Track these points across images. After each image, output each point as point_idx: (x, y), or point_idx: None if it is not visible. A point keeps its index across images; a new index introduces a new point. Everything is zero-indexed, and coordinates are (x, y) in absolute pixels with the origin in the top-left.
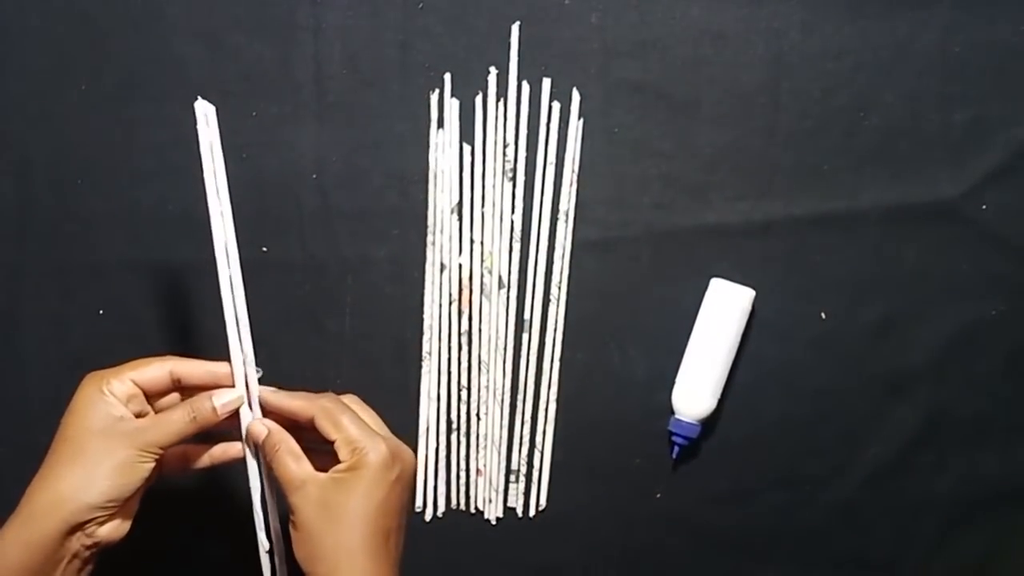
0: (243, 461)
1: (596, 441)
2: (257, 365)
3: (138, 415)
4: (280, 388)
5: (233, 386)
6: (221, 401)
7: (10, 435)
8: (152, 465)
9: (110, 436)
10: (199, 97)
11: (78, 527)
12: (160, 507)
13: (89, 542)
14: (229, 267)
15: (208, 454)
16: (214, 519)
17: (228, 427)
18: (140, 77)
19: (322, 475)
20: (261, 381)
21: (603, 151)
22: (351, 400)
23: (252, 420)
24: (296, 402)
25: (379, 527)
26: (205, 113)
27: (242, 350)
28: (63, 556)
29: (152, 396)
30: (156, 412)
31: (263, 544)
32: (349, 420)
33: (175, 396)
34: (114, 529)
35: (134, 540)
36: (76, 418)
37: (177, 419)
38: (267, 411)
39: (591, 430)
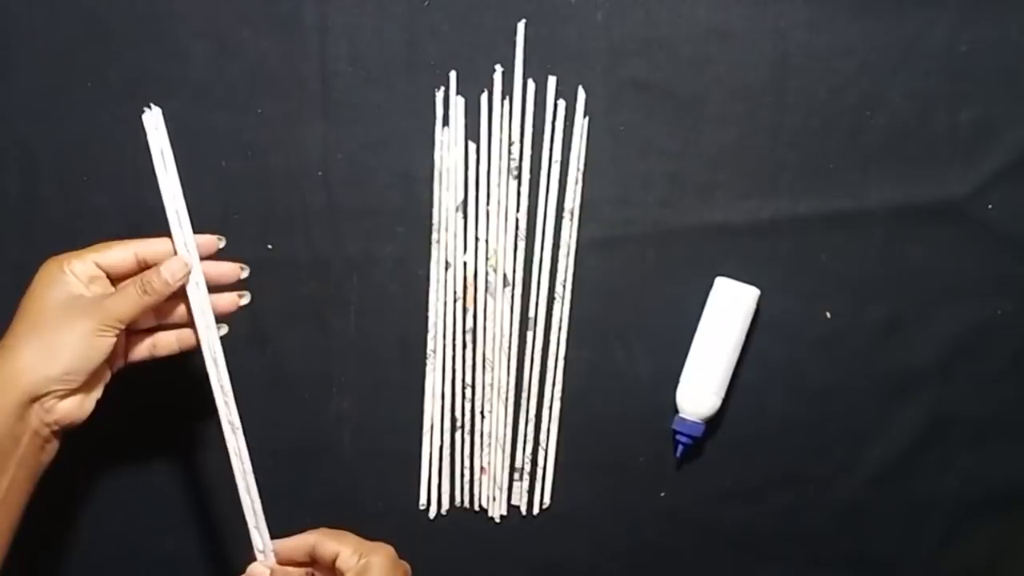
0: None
1: (600, 439)
2: (262, 362)
3: None
4: (280, 387)
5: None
6: (170, 270)
7: None
8: (112, 340)
9: (69, 310)
10: (149, 106)
11: (36, 399)
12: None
13: (49, 418)
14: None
15: (177, 339)
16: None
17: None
18: (146, 74)
19: None
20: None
21: (608, 149)
22: None
23: (253, 565)
24: (298, 540)
25: None
26: (155, 121)
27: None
28: (23, 431)
29: (117, 279)
30: None
31: (257, 544)
32: (347, 533)
33: None
34: (74, 408)
35: (122, 536)
36: (35, 295)
37: (131, 292)
38: (279, 559)
39: (595, 428)
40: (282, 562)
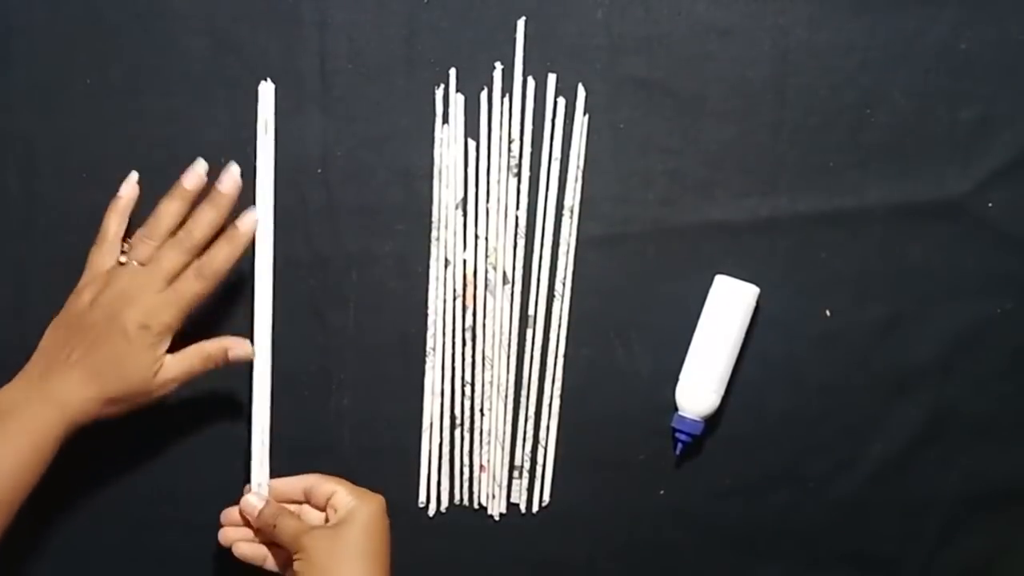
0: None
1: (600, 437)
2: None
3: None
4: (280, 383)
5: None
6: (233, 353)
7: None
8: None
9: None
10: (266, 79)
11: (80, 425)
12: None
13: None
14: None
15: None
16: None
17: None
18: (146, 70)
19: (326, 524)
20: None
21: (608, 147)
22: None
23: (247, 496)
24: (295, 480)
25: (379, 559)
26: (267, 94)
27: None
28: (57, 444)
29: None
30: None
31: (254, 479)
32: (344, 480)
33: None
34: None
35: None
36: None
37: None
38: (273, 496)
39: (595, 426)
40: (276, 499)
